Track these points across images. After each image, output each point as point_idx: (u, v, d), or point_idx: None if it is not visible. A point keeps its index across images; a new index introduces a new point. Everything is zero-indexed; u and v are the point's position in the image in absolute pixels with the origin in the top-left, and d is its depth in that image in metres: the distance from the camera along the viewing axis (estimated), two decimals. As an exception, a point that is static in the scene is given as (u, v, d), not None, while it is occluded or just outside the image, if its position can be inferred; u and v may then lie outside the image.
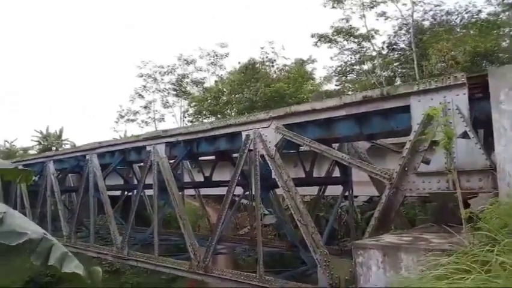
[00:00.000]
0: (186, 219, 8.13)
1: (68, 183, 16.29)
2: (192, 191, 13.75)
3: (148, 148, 9.12)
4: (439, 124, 4.51)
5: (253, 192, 9.53)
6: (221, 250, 11.00)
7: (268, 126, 6.66)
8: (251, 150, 6.96)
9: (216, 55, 30.08)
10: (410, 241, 4.29)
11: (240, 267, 13.83)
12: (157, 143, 8.85)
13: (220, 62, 30.32)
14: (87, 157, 11.14)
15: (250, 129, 6.93)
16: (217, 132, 7.60)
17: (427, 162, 5.09)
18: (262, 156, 6.79)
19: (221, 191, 11.80)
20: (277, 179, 6.45)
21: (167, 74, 31.23)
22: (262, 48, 25.93)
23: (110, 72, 66.06)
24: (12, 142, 33.15)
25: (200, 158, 11.12)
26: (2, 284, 16.63)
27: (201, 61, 31.01)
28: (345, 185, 8.85)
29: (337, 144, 8.88)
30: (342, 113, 5.75)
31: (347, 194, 9.05)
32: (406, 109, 5.53)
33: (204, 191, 13.76)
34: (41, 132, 32.67)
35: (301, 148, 8.05)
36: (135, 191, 9.65)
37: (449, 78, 4.74)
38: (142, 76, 31.53)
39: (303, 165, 8.22)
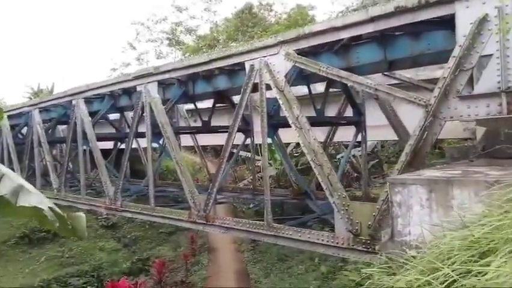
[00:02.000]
0: (183, 165, 7.34)
1: (59, 135, 15.39)
2: (188, 141, 12.92)
3: (138, 88, 8.16)
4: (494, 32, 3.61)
5: (254, 140, 8.75)
6: (221, 200, 10.33)
7: (277, 53, 5.69)
8: (256, 83, 6.04)
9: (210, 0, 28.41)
10: (460, 174, 3.50)
11: (242, 218, 13.27)
12: (149, 82, 7.87)
13: (214, 8, 28.68)
14: (73, 102, 10.18)
15: (255, 58, 5.96)
16: (216, 65, 6.62)
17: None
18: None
19: (219, 139, 10.99)
20: (287, 115, 5.58)
21: (160, 22, 29.65)
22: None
23: (102, 23, 63.52)
24: (1, 99, 31.85)
25: (198, 106, 10.25)
26: (-5, 240, 16.20)
27: (194, 8, 29.33)
28: (358, 125, 8.02)
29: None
30: (368, 29, 4.77)
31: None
32: (445, 23, 4.58)
33: (201, 140, 12.91)
34: (32, 89, 31.35)
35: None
36: (127, 139, 8.80)
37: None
38: (134, 24, 30.00)
39: (314, 104, 7.31)
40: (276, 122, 6.49)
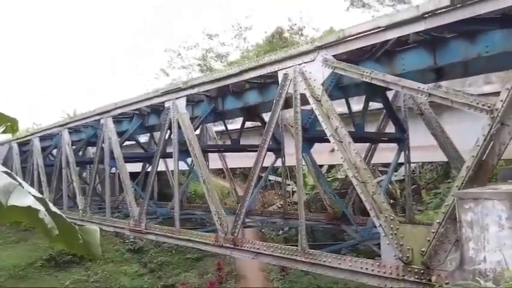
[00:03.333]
0: (211, 184, 6.86)
1: (90, 157, 15.36)
2: (217, 164, 12.49)
3: (166, 105, 7.85)
4: None
5: (285, 161, 8.16)
6: (250, 224, 9.76)
7: (314, 60, 5.21)
8: (289, 95, 5.56)
9: (240, 27, 28.69)
10: (550, 188, 2.84)
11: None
12: (177, 97, 7.56)
13: (244, 35, 28.93)
14: (101, 121, 10.02)
15: (290, 67, 5.51)
16: (246, 76, 6.20)
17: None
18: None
19: (249, 161, 10.45)
20: (324, 127, 5.04)
21: (191, 48, 30.22)
22: (289, 18, 24.35)
23: (138, 51, 65.73)
24: (40, 125, 32.89)
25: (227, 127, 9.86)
26: (21, 262, 16.12)
27: (224, 35, 29.77)
28: (401, 144, 7.34)
29: (391, 95, 7.45)
30: (418, 27, 4.23)
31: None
32: (508, 20, 4.00)
33: (230, 163, 12.43)
34: (67, 114, 32.27)
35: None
36: (153, 159, 8.43)
37: None
38: (166, 51, 30.74)
39: (353, 118, 6.74)
40: (311, 136, 5.94)
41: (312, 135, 5.91)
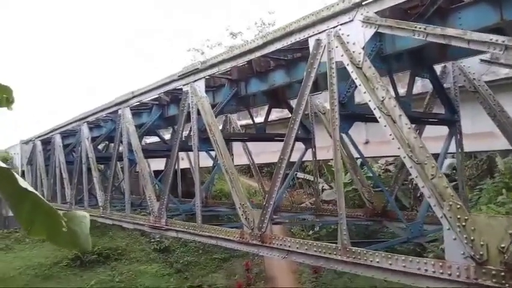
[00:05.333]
0: (234, 173, 6.09)
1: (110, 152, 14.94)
2: (242, 160, 11.73)
3: (184, 89, 7.16)
4: None
5: (316, 152, 7.25)
6: (278, 220, 8.95)
7: (352, 20, 4.35)
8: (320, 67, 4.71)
9: (263, 23, 27.91)
10: None
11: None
12: (195, 80, 6.85)
13: (267, 31, 28.15)
14: (119, 112, 9.46)
15: (322, 31, 4.66)
16: (272, 48, 5.37)
17: None
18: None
19: (276, 156, 9.63)
20: (368, 99, 4.18)
21: (215, 47, 29.71)
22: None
23: (161, 51, 66.05)
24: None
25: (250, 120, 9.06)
26: (47, 261, 15.89)
27: (248, 32, 29.09)
28: (452, 126, 6.35)
29: (439, 66, 6.48)
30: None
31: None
32: None
33: (256, 159, 11.60)
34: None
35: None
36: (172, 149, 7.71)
37: None
38: (190, 51, 30.39)
39: (395, 88, 5.74)
40: (350, 113, 5.06)
41: (351, 111, 5.03)
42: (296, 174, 20.85)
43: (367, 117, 4.94)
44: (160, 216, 7.92)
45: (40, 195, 2.26)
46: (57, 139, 13.47)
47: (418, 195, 17.03)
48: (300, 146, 8.30)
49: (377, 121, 4.33)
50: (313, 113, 8.68)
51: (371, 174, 10.83)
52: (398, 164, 17.93)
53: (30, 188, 2.21)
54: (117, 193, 13.63)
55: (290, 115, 7.62)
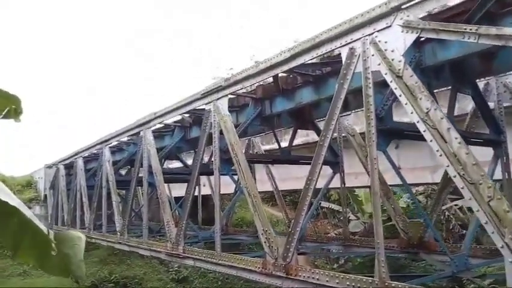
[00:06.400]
0: (257, 196, 5.63)
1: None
2: (265, 186, 11.25)
3: (207, 107, 6.85)
4: None
5: (344, 177, 6.69)
6: (303, 250, 8.32)
7: (390, 25, 3.95)
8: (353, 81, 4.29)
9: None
10: None
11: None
12: (218, 98, 6.53)
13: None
14: (141, 133, 9.23)
15: (356, 40, 4.27)
16: (300, 61, 5.01)
17: None
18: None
19: (300, 183, 9.09)
20: (410, 111, 3.71)
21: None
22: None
23: (161, 51, 66.60)
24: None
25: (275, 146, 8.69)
26: (63, 288, 15.48)
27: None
28: (497, 147, 5.75)
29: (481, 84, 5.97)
30: None
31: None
32: None
33: (279, 186, 11.07)
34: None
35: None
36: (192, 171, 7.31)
37: None
38: (214, 79, 30.65)
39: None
40: (388, 128, 4.57)
41: (390, 126, 4.54)
42: (320, 204, 20.08)
43: (407, 133, 4.44)
44: (178, 243, 7.47)
45: (29, 214, 1.87)
46: (80, 163, 13.38)
47: (451, 227, 16.02)
48: (324, 173, 7.79)
49: (418, 139, 3.84)
50: (342, 136, 8.22)
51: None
52: (427, 192, 17.06)
53: (20, 206, 1.83)
54: (137, 219, 13.29)
55: (316, 139, 7.22)
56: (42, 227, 1.87)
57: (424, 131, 3.58)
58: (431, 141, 3.54)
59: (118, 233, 10.17)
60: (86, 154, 13.33)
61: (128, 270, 16.97)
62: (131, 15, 72.82)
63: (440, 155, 3.46)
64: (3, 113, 2.44)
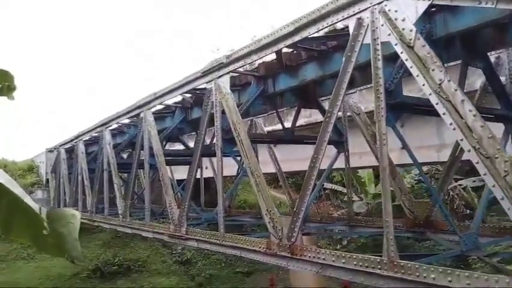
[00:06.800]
0: (260, 175, 5.49)
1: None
2: (267, 168, 11.11)
3: (208, 86, 6.66)
4: None
5: (349, 157, 6.53)
6: (307, 231, 8.24)
7: (400, -8, 3.74)
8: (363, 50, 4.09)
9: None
10: None
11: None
12: (219, 76, 6.33)
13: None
14: (141, 115, 9.06)
15: (364, 10, 4.06)
16: (304, 34, 4.78)
17: None
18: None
19: (304, 164, 8.93)
20: (422, 83, 3.52)
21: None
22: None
23: (161, 51, 66.03)
24: None
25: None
26: (67, 272, 15.59)
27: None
28: (509, 123, 5.57)
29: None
30: None
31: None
32: None
33: (282, 167, 10.93)
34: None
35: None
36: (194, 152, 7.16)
37: None
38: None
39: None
40: (398, 102, 4.39)
41: (400, 100, 4.36)
42: (323, 185, 20.02)
43: (417, 108, 4.26)
44: (180, 224, 7.38)
45: (19, 191, 1.73)
46: (80, 146, 13.24)
47: (455, 207, 15.95)
48: (327, 153, 7.63)
49: (429, 113, 3.66)
50: (346, 115, 8.06)
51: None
52: (430, 173, 16.91)
53: (8, 183, 1.68)
54: (140, 202, 13.23)
55: (319, 120, 7.03)
56: (33, 204, 1.73)
57: (437, 104, 3.40)
58: (443, 114, 3.36)
59: (120, 216, 10.09)
60: (87, 137, 13.18)
61: (132, 253, 17.04)
62: (131, 15, 72.09)
63: (454, 129, 3.29)
64: (-1, 87, 2.28)
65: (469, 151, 3.22)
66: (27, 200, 1.67)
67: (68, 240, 1.85)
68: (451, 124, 3.31)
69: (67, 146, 15.37)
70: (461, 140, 3.27)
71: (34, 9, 69.48)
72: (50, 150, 17.70)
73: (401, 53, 3.68)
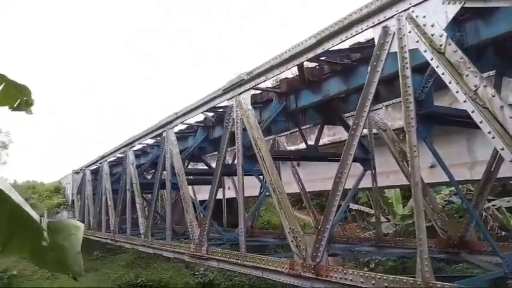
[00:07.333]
0: (283, 192, 5.29)
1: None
2: (291, 188, 10.85)
3: (229, 103, 6.58)
4: None
5: (376, 174, 6.19)
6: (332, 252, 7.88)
7: (429, -3, 3.57)
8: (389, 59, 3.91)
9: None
10: None
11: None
12: (240, 92, 6.25)
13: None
14: (163, 134, 9.06)
15: (390, 18, 3.90)
16: (327, 46, 4.65)
17: None
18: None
19: (328, 184, 8.62)
20: (455, 90, 3.30)
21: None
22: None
23: (161, 51, 65.78)
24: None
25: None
26: (90, 292, 15.51)
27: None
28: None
29: None
30: None
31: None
32: None
33: (306, 187, 10.63)
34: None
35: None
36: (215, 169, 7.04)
37: None
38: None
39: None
40: (429, 112, 4.15)
41: (431, 110, 4.12)
42: (348, 206, 19.50)
43: (450, 119, 4.01)
44: (201, 244, 7.21)
45: (19, 200, 1.60)
46: (105, 167, 13.39)
47: (489, 228, 15.15)
48: (353, 173, 7.35)
49: (464, 125, 3.42)
50: (372, 132, 7.79)
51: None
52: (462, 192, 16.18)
53: (8, 190, 1.57)
54: (163, 222, 13.16)
55: (343, 139, 6.80)
56: (34, 214, 1.60)
57: (472, 112, 3.17)
58: (480, 122, 3.12)
59: (142, 236, 10.01)
60: (112, 158, 13.33)
61: (154, 274, 16.88)
62: (131, 15, 73.39)
63: (493, 137, 3.04)
64: (15, 105, 2.21)
65: (511, 161, 2.95)
66: (28, 208, 1.55)
67: (70, 254, 1.69)
68: (489, 133, 3.06)
69: (92, 168, 15.59)
70: (502, 149, 3.01)
71: (34, 9, 71.44)
72: (76, 172, 18.00)
73: (431, 59, 3.48)
